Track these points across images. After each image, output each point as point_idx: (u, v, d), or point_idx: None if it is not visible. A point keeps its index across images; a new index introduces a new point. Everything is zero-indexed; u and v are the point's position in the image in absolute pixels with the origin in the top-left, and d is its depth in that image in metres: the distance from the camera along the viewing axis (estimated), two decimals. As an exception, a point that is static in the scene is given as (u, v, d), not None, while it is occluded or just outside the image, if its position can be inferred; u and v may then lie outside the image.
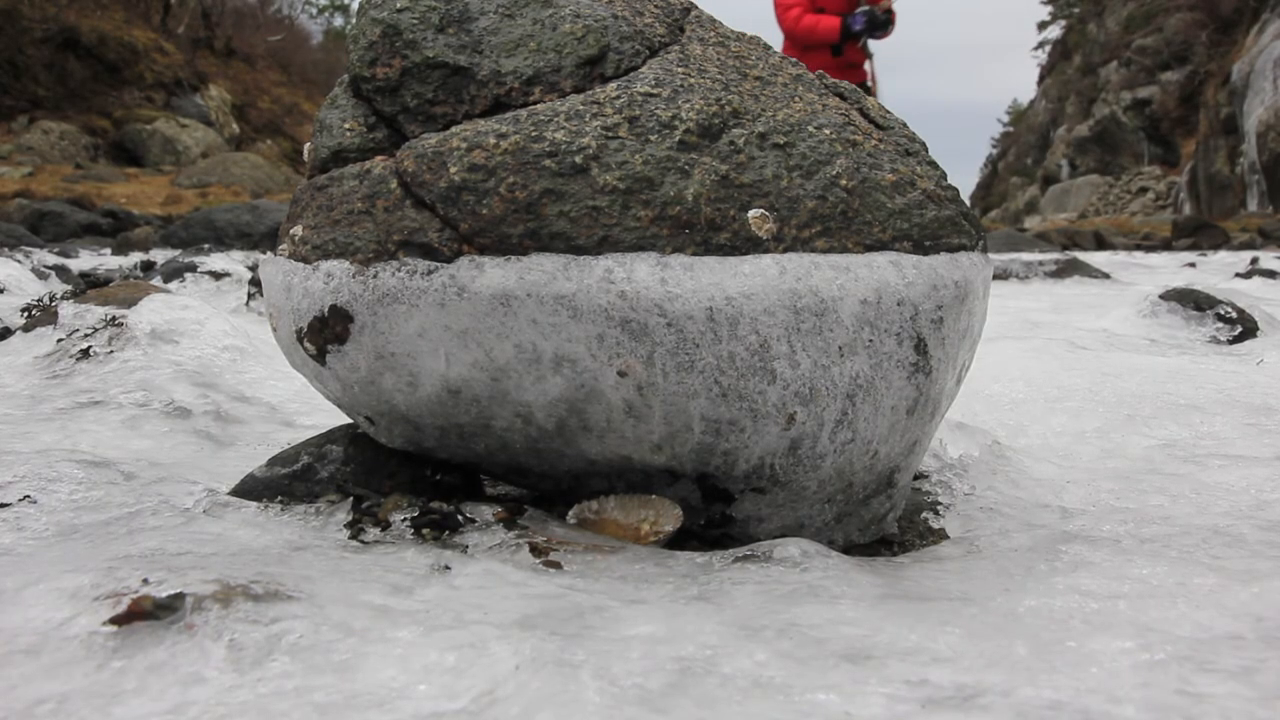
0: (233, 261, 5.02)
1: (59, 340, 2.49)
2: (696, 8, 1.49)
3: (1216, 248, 14.07)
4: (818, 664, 0.84)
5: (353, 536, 1.17)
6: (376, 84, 1.28)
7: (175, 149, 25.65)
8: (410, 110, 1.26)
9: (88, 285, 4.41)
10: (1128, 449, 1.86)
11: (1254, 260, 8.43)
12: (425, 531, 1.18)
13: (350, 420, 1.39)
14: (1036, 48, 56.08)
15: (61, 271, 5.40)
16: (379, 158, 1.25)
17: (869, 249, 1.21)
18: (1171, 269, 8.65)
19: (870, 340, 1.18)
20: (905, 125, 1.41)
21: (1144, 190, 35.86)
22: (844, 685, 0.80)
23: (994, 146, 62.78)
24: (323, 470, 1.32)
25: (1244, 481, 1.60)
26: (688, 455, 1.20)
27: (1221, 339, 3.14)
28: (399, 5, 1.30)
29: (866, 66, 6.26)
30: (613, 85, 1.25)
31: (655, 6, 1.41)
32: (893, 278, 1.19)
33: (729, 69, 1.34)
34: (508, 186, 1.14)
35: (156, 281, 4.27)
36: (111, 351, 2.41)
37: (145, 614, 0.82)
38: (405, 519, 1.21)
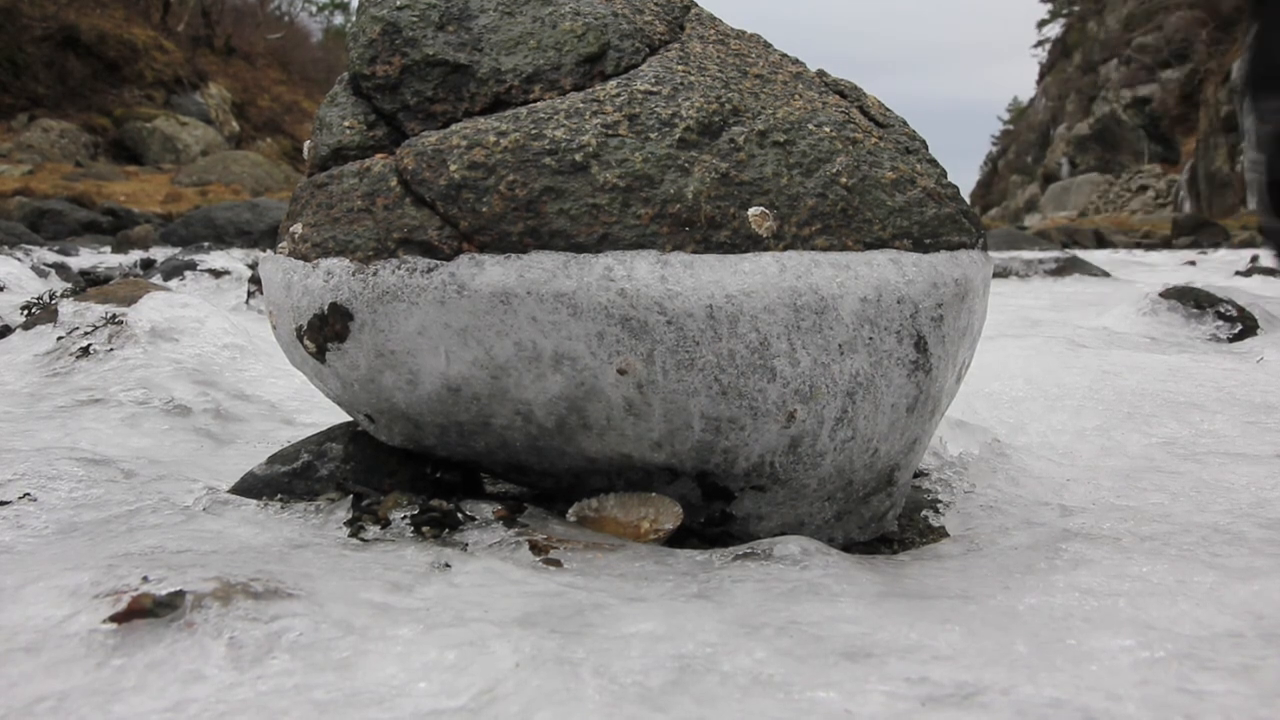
0: (232, 259, 5.02)
1: (59, 338, 2.49)
2: (696, 5, 1.49)
3: (1216, 245, 14.06)
4: (817, 662, 0.84)
5: (353, 534, 1.17)
6: (376, 82, 1.27)
7: (175, 147, 25.63)
8: (410, 108, 1.26)
9: (88, 283, 4.40)
10: (1128, 447, 1.85)
11: (1254, 258, 8.43)
12: (425, 529, 1.18)
13: (350, 418, 1.39)
14: (1036, 46, 56.14)
15: (61, 270, 5.40)
16: (379, 155, 1.25)
17: (869, 247, 1.21)
18: (1171, 267, 8.64)
19: (870, 338, 1.18)
20: (905, 123, 1.41)
21: (1144, 188, 35.85)
22: (844, 683, 0.80)
23: (994, 145, 62.80)
24: (323, 468, 1.32)
25: (1244, 479, 1.60)
26: (688, 453, 1.20)
27: (1221, 337, 3.14)
28: (399, 3, 1.30)
29: None
30: (613, 83, 1.25)
31: (655, 4, 1.41)
32: (893, 275, 1.19)
33: (729, 67, 1.34)
34: (508, 184, 1.14)
35: (156, 280, 4.27)
36: (111, 349, 2.41)
37: (145, 612, 0.82)
38: (405, 517, 1.21)
